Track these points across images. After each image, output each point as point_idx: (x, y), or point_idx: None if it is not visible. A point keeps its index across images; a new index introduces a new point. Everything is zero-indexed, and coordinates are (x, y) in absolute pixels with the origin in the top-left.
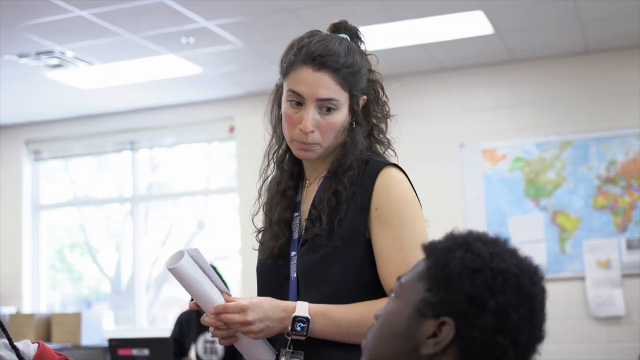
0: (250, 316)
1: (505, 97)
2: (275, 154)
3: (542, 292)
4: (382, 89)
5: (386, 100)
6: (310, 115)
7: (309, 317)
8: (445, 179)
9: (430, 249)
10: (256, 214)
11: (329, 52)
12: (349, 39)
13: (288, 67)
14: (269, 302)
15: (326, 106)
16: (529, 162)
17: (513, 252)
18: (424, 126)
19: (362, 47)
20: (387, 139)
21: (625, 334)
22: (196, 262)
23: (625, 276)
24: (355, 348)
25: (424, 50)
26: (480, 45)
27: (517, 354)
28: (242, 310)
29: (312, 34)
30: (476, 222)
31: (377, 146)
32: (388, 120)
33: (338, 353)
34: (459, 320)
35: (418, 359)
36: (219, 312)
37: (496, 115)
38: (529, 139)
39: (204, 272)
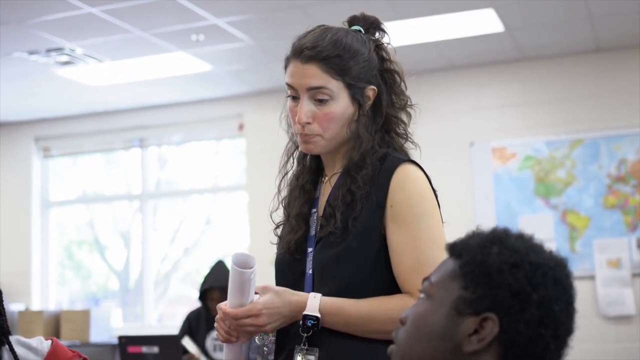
0: (262, 320)
1: (516, 95)
2: (295, 151)
3: (573, 285)
4: (400, 77)
5: (404, 89)
6: (304, 107)
7: (318, 315)
8: (455, 177)
9: (460, 247)
10: (276, 209)
11: (317, 43)
12: (363, 31)
13: (285, 64)
14: (282, 299)
15: (318, 97)
16: (539, 161)
17: (542, 247)
18: (434, 124)
19: (386, 37)
20: (405, 131)
21: (635, 334)
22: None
23: (635, 275)
24: (373, 340)
25: (434, 48)
26: (491, 43)
27: (556, 346)
28: (255, 315)
29: (314, 28)
30: (486, 220)
31: (396, 139)
32: (409, 110)
33: (357, 344)
34: (502, 315)
35: (460, 357)
36: (235, 318)
37: (506, 114)
38: (539, 137)
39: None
